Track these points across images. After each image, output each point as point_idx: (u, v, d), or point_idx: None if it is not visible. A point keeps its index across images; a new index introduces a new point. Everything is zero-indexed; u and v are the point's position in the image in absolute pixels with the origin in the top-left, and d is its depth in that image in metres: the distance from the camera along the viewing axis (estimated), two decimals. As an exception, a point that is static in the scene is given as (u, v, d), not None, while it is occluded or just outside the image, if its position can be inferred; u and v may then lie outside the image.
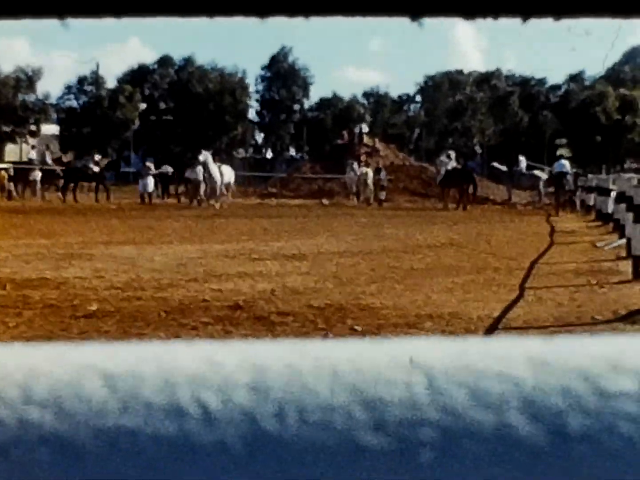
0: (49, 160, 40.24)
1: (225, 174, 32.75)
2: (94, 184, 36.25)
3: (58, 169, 37.83)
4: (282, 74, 67.32)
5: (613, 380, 0.38)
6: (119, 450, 0.38)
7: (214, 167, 31.97)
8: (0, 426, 0.38)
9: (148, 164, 37.34)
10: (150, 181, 35.57)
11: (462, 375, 0.39)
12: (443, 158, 36.65)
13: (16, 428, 0.38)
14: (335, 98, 67.28)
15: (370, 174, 37.96)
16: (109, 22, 0.50)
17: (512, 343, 0.41)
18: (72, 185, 35.33)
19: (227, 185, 33.26)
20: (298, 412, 0.38)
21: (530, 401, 0.38)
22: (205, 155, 31.98)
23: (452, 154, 37.76)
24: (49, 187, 37.30)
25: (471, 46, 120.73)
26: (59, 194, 35.61)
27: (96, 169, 36.05)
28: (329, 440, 0.37)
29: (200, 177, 32.05)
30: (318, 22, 0.50)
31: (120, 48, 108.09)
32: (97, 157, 37.73)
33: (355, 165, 39.27)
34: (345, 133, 50.23)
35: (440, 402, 0.38)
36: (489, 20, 0.50)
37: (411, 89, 76.82)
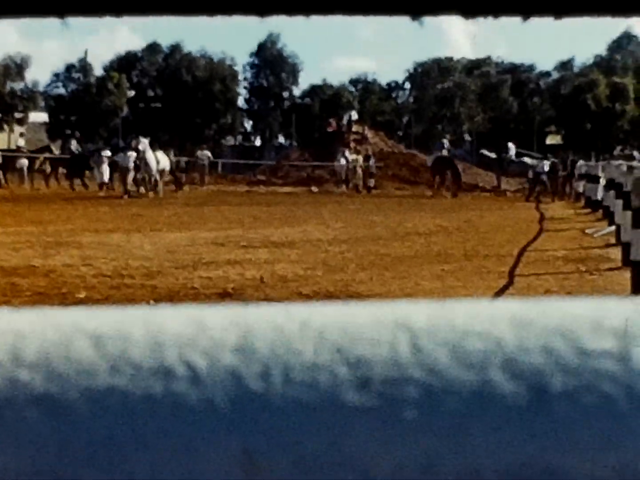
0: (74, 147, 38.98)
1: (161, 160, 30.65)
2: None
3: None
4: (271, 61, 67.11)
5: (593, 339, 0.39)
6: (108, 410, 0.38)
7: (150, 154, 29.86)
8: None
9: (103, 152, 35.62)
10: (106, 170, 33.46)
11: (445, 334, 0.39)
12: (444, 141, 36.87)
13: (6, 389, 0.39)
14: (324, 85, 67.12)
15: (360, 161, 37.96)
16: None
17: (495, 304, 0.41)
18: (77, 172, 34.85)
19: (162, 172, 31.06)
20: (283, 371, 0.38)
21: (512, 360, 0.38)
22: (144, 144, 29.81)
23: (446, 142, 37.99)
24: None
25: (460, 33, 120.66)
26: (81, 181, 34.65)
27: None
28: (314, 398, 0.38)
29: (131, 164, 29.89)
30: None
31: (108, 35, 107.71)
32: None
33: (346, 152, 39.10)
34: (332, 121, 50.05)
35: (424, 361, 0.38)
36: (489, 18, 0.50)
37: (400, 76, 76.68)
